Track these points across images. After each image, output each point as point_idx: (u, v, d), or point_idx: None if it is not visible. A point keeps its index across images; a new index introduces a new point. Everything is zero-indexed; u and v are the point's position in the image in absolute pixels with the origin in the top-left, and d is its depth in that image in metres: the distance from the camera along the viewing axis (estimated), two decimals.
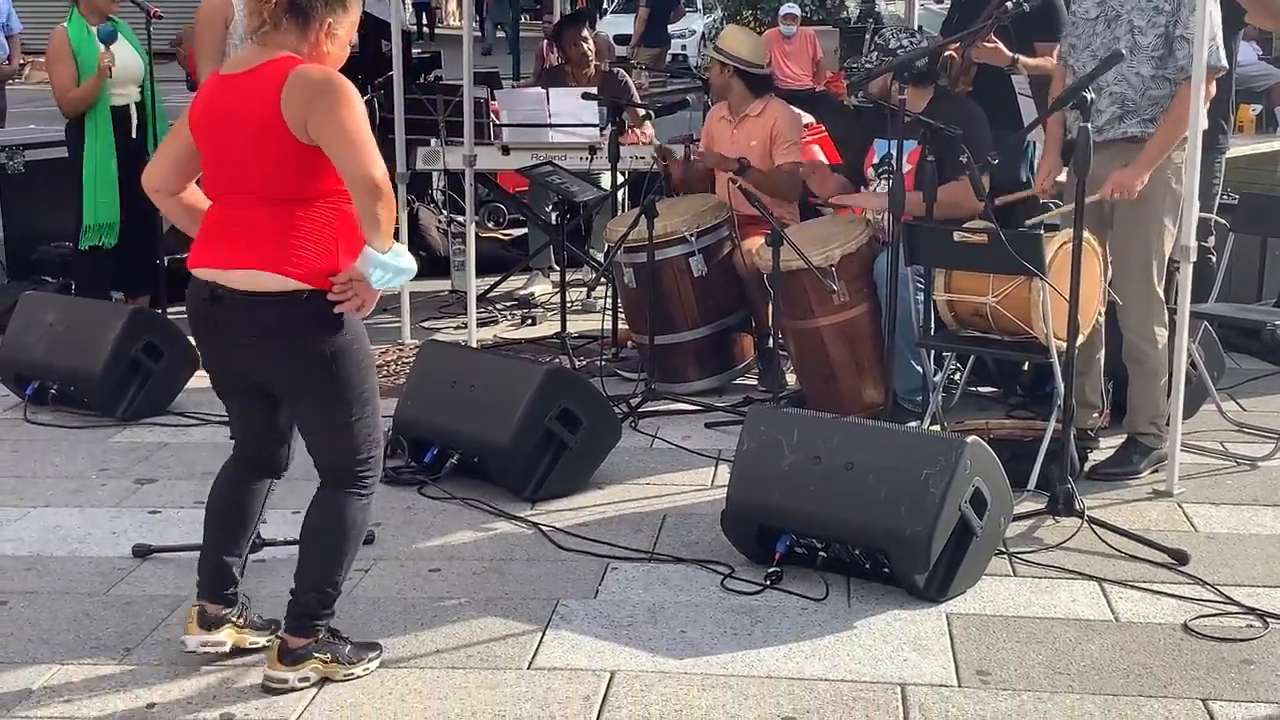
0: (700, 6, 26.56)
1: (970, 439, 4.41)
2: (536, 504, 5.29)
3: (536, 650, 4.13)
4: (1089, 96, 4.77)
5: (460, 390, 5.50)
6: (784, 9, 15.83)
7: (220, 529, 4.06)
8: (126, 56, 7.55)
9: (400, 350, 7.58)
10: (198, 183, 3.95)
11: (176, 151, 3.92)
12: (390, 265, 3.66)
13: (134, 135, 7.55)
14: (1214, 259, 6.56)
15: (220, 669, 4.00)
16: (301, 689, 3.86)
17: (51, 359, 6.51)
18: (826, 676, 3.96)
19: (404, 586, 4.59)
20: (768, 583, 4.54)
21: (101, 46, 7.34)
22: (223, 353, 3.87)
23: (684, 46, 25.00)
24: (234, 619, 4.04)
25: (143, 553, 4.84)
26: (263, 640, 4.05)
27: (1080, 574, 4.63)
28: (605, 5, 28.08)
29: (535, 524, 5.10)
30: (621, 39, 20.16)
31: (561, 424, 5.33)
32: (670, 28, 20.64)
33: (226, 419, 4.18)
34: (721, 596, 4.50)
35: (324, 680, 3.89)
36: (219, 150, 3.76)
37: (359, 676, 3.92)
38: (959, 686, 3.90)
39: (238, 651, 4.03)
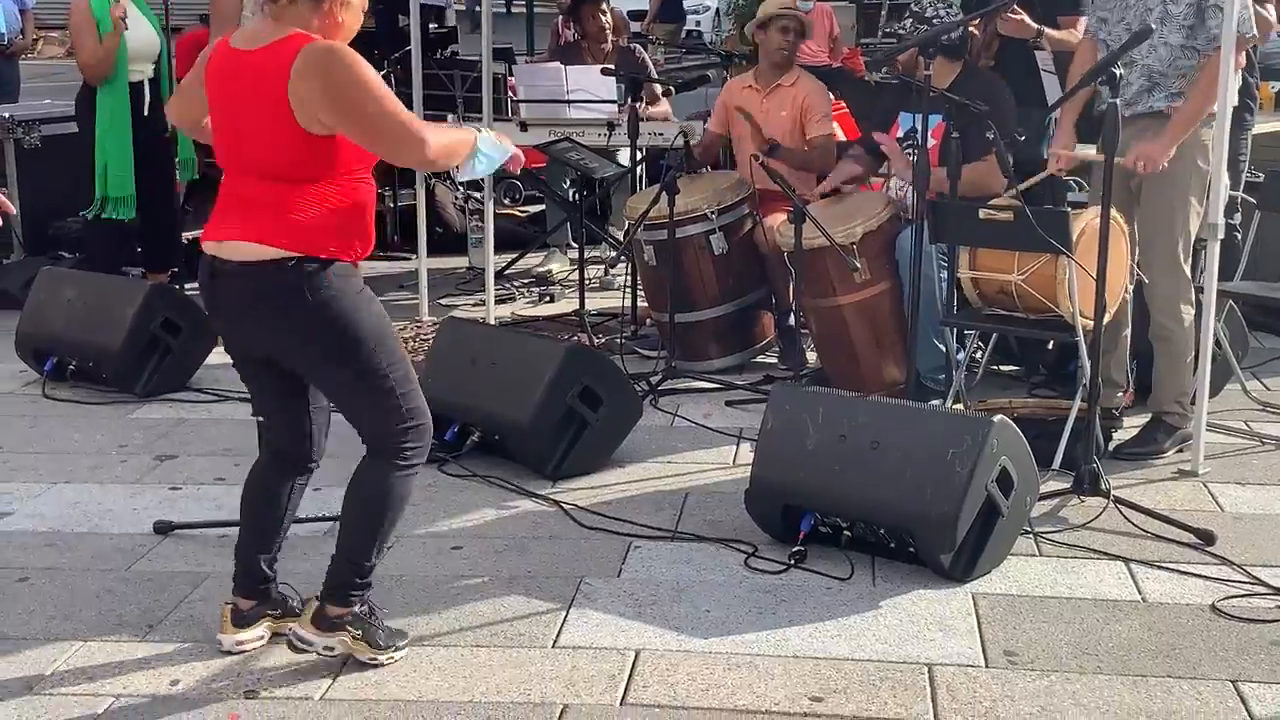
0: None
1: (997, 418, 4.37)
2: (558, 482, 5.27)
3: (561, 629, 4.11)
4: (1118, 72, 4.72)
5: (480, 368, 5.47)
6: None
7: (253, 527, 4.02)
8: (142, 31, 7.52)
9: (419, 327, 7.55)
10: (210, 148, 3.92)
11: (195, 90, 3.88)
12: (485, 157, 3.77)
13: (145, 113, 7.51)
14: (1239, 237, 6.52)
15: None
16: (324, 657, 3.85)
17: (70, 334, 6.50)
18: (853, 656, 3.94)
19: (427, 564, 4.57)
20: (792, 562, 4.51)
21: (110, 1, 7.31)
22: (230, 329, 3.84)
23: (698, 22, 24.89)
24: (270, 612, 4.00)
25: (164, 529, 4.83)
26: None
27: (1106, 554, 4.60)
28: None
29: (557, 502, 5.08)
30: (636, 14, 20.04)
31: (582, 402, 5.31)
32: (685, 3, 20.56)
33: (246, 394, 4.12)
34: (745, 576, 4.47)
35: (347, 656, 3.86)
36: (227, 126, 3.72)
37: (381, 664, 3.87)
38: (986, 667, 3.88)
39: (278, 636, 4.00)
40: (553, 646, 4.00)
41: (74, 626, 4.14)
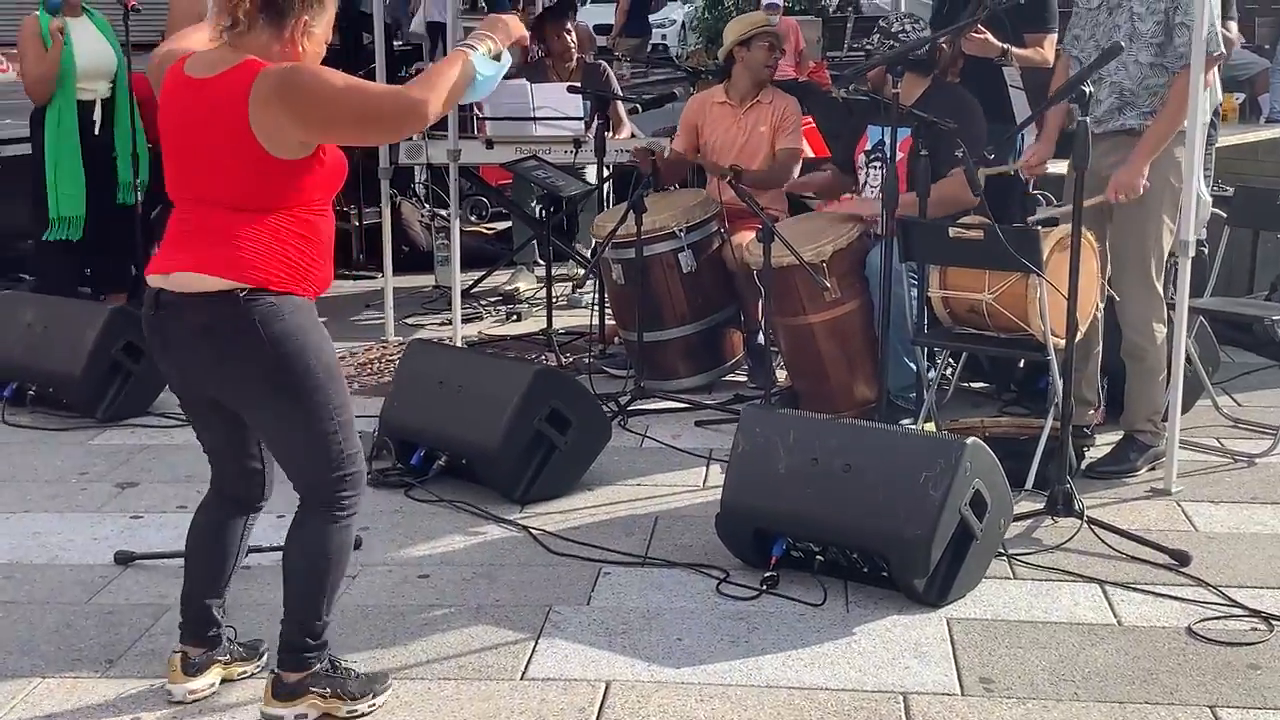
0: None
1: (970, 440, 4.33)
2: (526, 506, 5.20)
3: (529, 660, 4.04)
4: (1088, 90, 4.69)
5: (448, 390, 5.40)
6: None
7: (200, 571, 3.86)
8: (95, 49, 7.43)
9: (385, 347, 7.48)
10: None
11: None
12: (484, 77, 3.54)
13: (96, 133, 7.41)
14: (1206, 252, 6.50)
15: None
16: None
17: (30, 359, 6.40)
18: (826, 685, 3.88)
19: (393, 594, 4.49)
20: (764, 587, 4.45)
21: (50, 17, 7.22)
22: (170, 363, 3.64)
23: (664, 36, 24.86)
24: (220, 658, 3.87)
25: (125, 560, 4.74)
26: (251, 668, 3.91)
27: (1081, 576, 4.56)
28: None
29: (525, 527, 5.01)
30: (602, 29, 20.00)
31: (551, 425, 5.24)
32: (651, 17, 20.52)
33: None
34: (717, 602, 4.41)
35: (325, 716, 3.71)
36: (179, 153, 3.57)
37: (363, 714, 3.73)
38: (963, 695, 3.82)
39: (227, 682, 3.88)
40: (521, 678, 3.93)
41: (32, 662, 4.05)
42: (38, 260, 7.70)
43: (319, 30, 3.59)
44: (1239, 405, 6.36)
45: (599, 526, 5.03)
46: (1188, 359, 5.92)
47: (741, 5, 19.63)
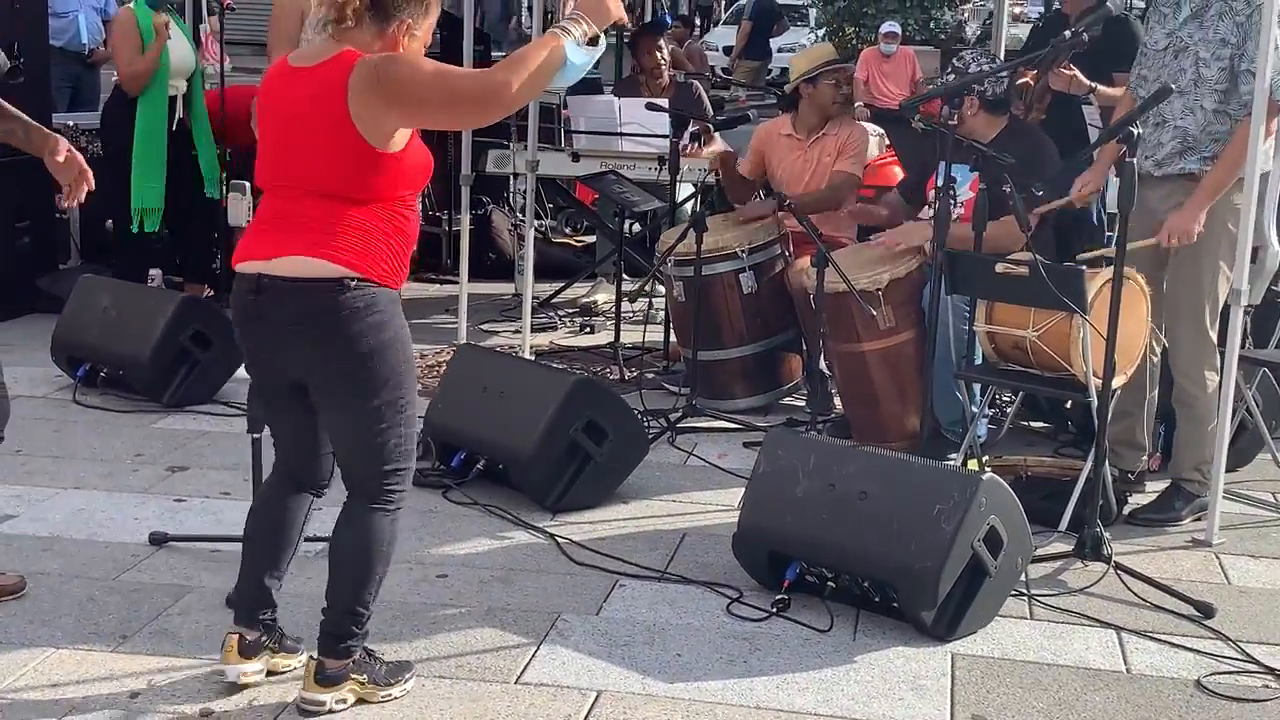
0: (810, 22, 26.39)
1: (987, 476, 4.30)
2: (558, 515, 5.25)
3: (527, 665, 4.08)
4: (1136, 131, 4.64)
5: (490, 396, 5.46)
6: (885, 27, 15.72)
7: (262, 548, 3.93)
8: (180, 47, 7.63)
9: (455, 352, 7.55)
10: (252, 166, 3.87)
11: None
12: (575, 65, 3.57)
13: (174, 128, 7.61)
14: None
15: (211, 664, 3.98)
16: (339, 711, 3.77)
17: (103, 342, 6.59)
18: (816, 711, 3.87)
19: (409, 591, 4.56)
20: (774, 610, 4.45)
21: (153, 12, 7.43)
22: (264, 346, 3.73)
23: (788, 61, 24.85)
24: (269, 644, 3.95)
25: (159, 541, 4.86)
26: (294, 663, 3.97)
27: (1099, 621, 4.49)
28: (715, 15, 28.01)
29: (552, 535, 5.06)
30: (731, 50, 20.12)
31: (587, 435, 5.28)
32: (773, 41, 20.55)
33: None
34: (725, 621, 4.42)
35: (360, 702, 3.80)
36: (278, 141, 3.67)
37: (396, 698, 3.83)
38: None
39: (271, 674, 3.94)
40: (515, 683, 3.98)
41: (50, 633, 4.18)
42: (119, 248, 7.89)
43: (420, 33, 3.71)
44: None
45: (625, 539, 5.06)
46: (1248, 411, 5.83)
47: (863, 34, 19.59)
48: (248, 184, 6.07)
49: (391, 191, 3.62)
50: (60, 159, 4.32)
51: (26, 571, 4.57)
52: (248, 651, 3.89)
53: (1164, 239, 5.15)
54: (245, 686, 3.85)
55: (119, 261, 7.80)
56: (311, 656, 3.84)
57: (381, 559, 3.76)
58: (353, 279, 3.57)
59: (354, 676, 3.79)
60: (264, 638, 3.92)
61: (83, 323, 6.70)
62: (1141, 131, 4.73)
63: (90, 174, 4.40)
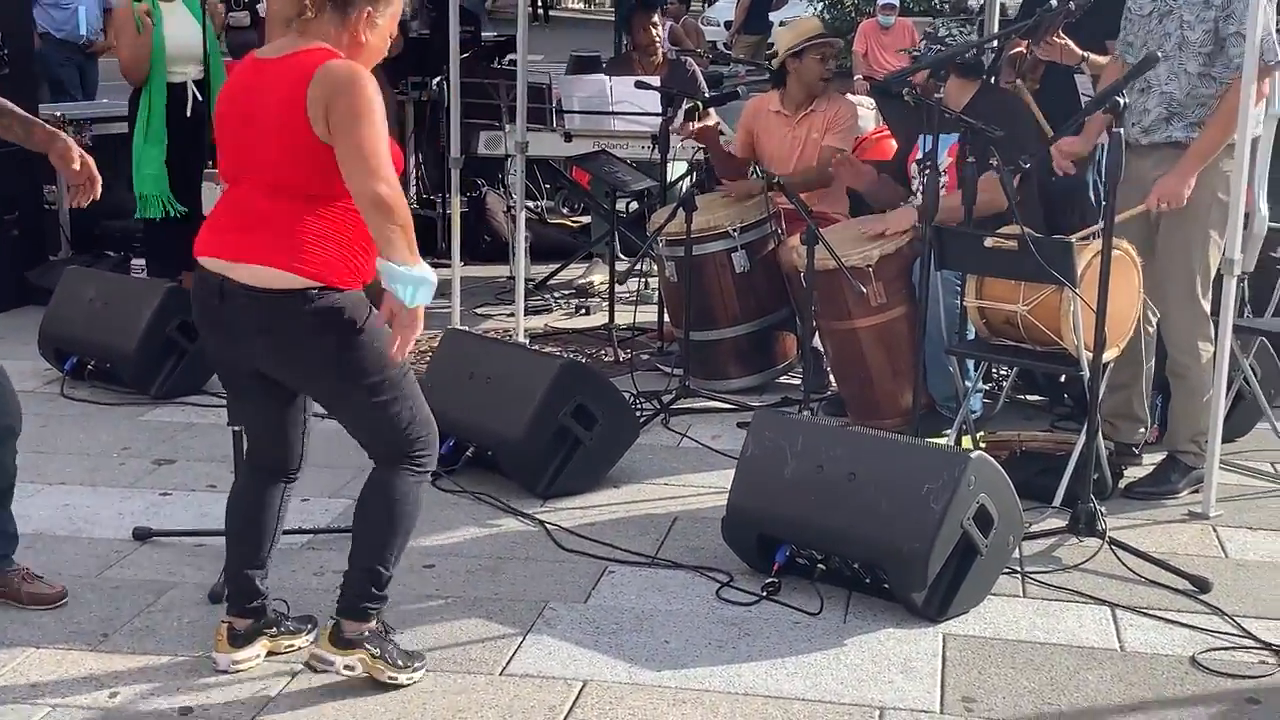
0: None
1: (975, 454, 4.24)
2: (548, 501, 5.20)
3: (513, 656, 4.03)
4: (1122, 101, 4.56)
5: (478, 381, 5.41)
6: None
7: (240, 542, 3.95)
8: (184, 32, 7.54)
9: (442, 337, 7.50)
10: (214, 165, 3.87)
11: None
12: (409, 277, 3.47)
13: (189, 114, 7.53)
14: None
15: (192, 660, 3.95)
16: (345, 676, 3.78)
17: (89, 334, 6.54)
18: (804, 696, 3.82)
19: (394, 582, 4.43)
20: (764, 594, 4.40)
21: (137, 2, 7.35)
22: (229, 348, 3.74)
23: None
24: (266, 630, 3.94)
25: (142, 536, 4.82)
26: (298, 642, 3.98)
27: (1093, 598, 4.43)
28: None
29: (541, 522, 5.00)
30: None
31: (576, 420, 5.23)
32: (773, 15, 20.41)
33: None
34: (715, 606, 4.37)
35: (367, 676, 3.78)
36: (239, 132, 3.66)
37: (403, 685, 3.80)
38: (941, 713, 3.75)
39: (273, 655, 3.95)
40: (500, 674, 3.93)
41: (30, 632, 4.13)
42: (146, 240, 7.84)
43: (382, 22, 3.69)
44: None
45: (615, 524, 5.01)
46: (1246, 381, 5.76)
47: (862, 6, 19.45)
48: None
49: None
50: (76, 167, 4.32)
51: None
52: (238, 641, 3.90)
53: (1152, 204, 5.07)
54: (236, 674, 3.85)
55: (148, 254, 7.74)
56: (331, 618, 3.84)
57: (405, 518, 3.78)
58: (315, 289, 3.56)
59: (368, 646, 3.78)
60: (256, 624, 3.93)
61: (69, 315, 6.65)
62: (1129, 100, 4.65)
63: (99, 180, 4.43)
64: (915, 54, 6.02)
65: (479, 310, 8.20)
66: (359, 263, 3.64)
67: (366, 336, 3.63)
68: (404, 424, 3.73)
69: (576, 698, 3.79)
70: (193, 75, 7.65)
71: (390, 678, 3.80)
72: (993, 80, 6.15)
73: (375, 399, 3.68)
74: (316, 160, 3.53)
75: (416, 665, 3.87)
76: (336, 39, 3.61)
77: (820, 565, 4.43)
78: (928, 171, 5.23)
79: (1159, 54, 4.87)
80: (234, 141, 3.69)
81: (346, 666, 3.79)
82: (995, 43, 5.89)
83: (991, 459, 4.30)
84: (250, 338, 3.66)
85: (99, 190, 4.44)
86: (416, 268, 3.51)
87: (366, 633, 3.79)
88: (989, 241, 5.06)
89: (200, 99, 7.56)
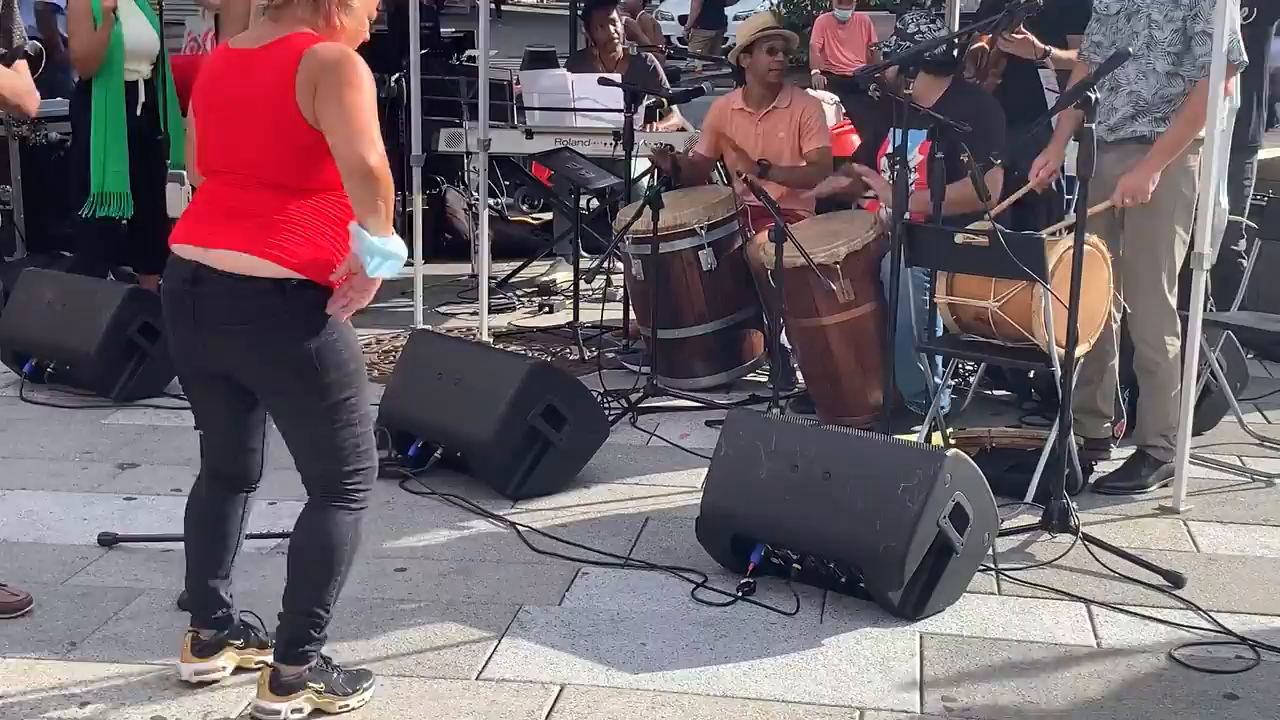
0: None
1: (951, 452, 4.23)
2: (518, 502, 5.15)
3: (489, 660, 3.99)
4: (1093, 96, 4.56)
5: (446, 383, 5.36)
6: None
7: (201, 554, 3.84)
8: (140, 30, 7.44)
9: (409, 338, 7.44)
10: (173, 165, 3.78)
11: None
12: (381, 250, 3.38)
13: (139, 113, 7.43)
14: (1243, 263, 6.32)
15: (162, 669, 3.89)
16: None
17: (48, 337, 6.45)
18: (783, 698, 3.80)
19: (365, 586, 4.44)
20: (739, 594, 4.38)
21: None
22: (197, 342, 3.60)
23: None
24: (233, 641, 3.85)
25: (108, 542, 4.75)
26: (268, 657, 3.82)
27: (1068, 595, 4.43)
28: None
29: (513, 524, 4.96)
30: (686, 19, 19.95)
31: (546, 421, 5.19)
32: (728, 10, 20.39)
33: None
34: (690, 607, 4.34)
35: (317, 712, 3.67)
36: (220, 126, 3.57)
37: (354, 709, 3.70)
38: (921, 713, 3.74)
39: (241, 671, 3.84)
40: (476, 679, 3.89)
41: None
42: (76, 238, 7.72)
43: (356, 4, 3.59)
44: (1269, 423, 6.18)
45: (587, 525, 4.98)
46: (1212, 374, 5.78)
47: (818, 0, 19.44)
48: (184, 173, 5.93)
49: (338, 180, 3.48)
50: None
51: None
52: (203, 651, 3.81)
53: (1117, 200, 5.08)
54: (203, 685, 3.78)
55: (79, 251, 7.61)
56: (267, 664, 3.71)
57: (343, 560, 3.63)
58: (293, 280, 3.46)
59: (311, 685, 3.65)
60: (221, 634, 3.83)
61: (27, 317, 6.55)
62: (1098, 97, 4.65)
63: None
64: (886, 50, 6.00)
65: (441, 309, 8.15)
66: (334, 258, 3.52)
67: (339, 341, 3.53)
68: (348, 451, 3.59)
69: (555, 702, 3.76)
70: (144, 74, 7.55)
71: (342, 706, 3.68)
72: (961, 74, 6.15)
73: (334, 418, 3.56)
74: (305, 151, 3.44)
75: (364, 685, 3.76)
76: (311, 24, 3.52)
77: (796, 565, 4.40)
78: (897, 167, 5.23)
79: (1129, 51, 4.87)
80: (215, 132, 3.59)
81: (294, 711, 3.63)
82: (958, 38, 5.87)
83: (967, 456, 4.29)
84: (219, 329, 3.53)
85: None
86: (390, 240, 3.41)
87: (306, 671, 3.66)
88: (959, 238, 5.05)
89: (145, 99, 7.48)
